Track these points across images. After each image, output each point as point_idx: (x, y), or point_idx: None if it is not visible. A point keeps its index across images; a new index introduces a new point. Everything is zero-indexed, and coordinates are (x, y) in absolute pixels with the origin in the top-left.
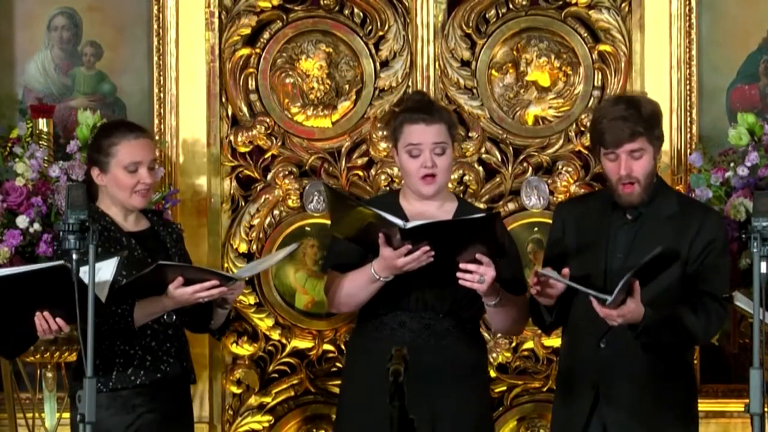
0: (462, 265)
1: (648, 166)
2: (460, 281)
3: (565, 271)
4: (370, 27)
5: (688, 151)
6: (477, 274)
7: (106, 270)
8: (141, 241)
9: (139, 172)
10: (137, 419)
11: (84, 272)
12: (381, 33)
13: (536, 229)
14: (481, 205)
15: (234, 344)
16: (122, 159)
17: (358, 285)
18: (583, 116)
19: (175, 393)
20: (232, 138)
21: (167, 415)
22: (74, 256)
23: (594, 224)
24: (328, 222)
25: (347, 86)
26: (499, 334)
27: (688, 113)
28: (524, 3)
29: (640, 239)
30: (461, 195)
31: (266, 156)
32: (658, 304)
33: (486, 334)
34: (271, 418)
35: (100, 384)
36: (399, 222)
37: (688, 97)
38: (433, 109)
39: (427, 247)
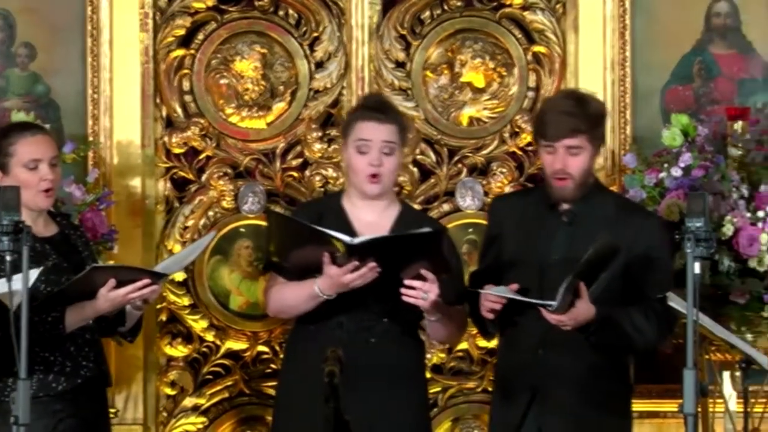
0: (407, 282)
1: (584, 164)
2: (404, 297)
3: (514, 286)
4: (304, 28)
5: (623, 151)
6: (421, 290)
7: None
8: (54, 246)
9: (40, 169)
10: (58, 423)
11: (17, 279)
12: (316, 34)
13: (471, 230)
14: (415, 207)
15: (168, 346)
16: (21, 157)
17: (299, 298)
18: (517, 117)
19: (94, 397)
20: (166, 139)
21: (87, 419)
22: (8, 258)
23: (530, 223)
24: (263, 224)
25: (282, 87)
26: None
27: (623, 114)
28: (459, 4)
29: (577, 242)
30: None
31: (201, 157)
32: (603, 304)
33: (422, 336)
34: (205, 419)
35: None
36: (346, 238)
37: (622, 98)
38: (388, 109)
39: (374, 264)
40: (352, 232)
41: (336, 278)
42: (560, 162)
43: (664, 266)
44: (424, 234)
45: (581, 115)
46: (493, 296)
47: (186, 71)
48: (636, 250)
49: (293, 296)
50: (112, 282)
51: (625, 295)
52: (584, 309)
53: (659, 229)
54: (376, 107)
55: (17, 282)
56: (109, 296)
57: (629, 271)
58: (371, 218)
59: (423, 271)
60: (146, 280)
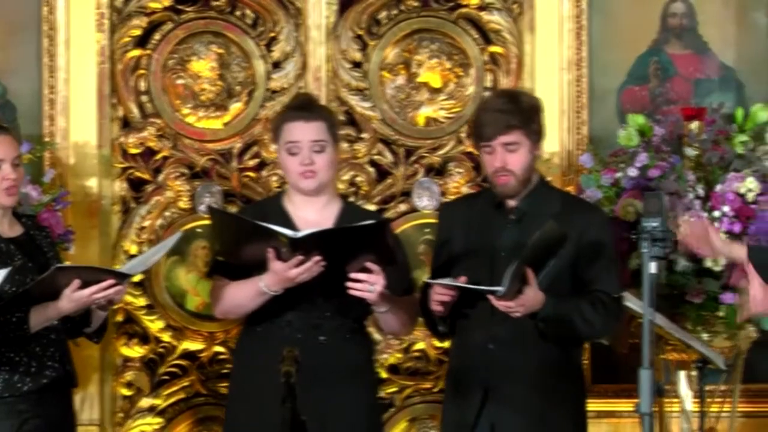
0: (352, 275)
1: (523, 159)
2: (350, 291)
3: (463, 278)
4: (261, 28)
5: (579, 152)
6: (367, 283)
7: None
8: (19, 246)
9: (3, 169)
10: (23, 424)
11: None
12: (273, 34)
13: (427, 230)
14: (371, 207)
15: (124, 346)
16: None
17: (245, 297)
18: None
19: (60, 397)
20: (123, 139)
21: (52, 420)
22: None
23: (479, 225)
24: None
25: (239, 87)
26: (390, 335)
27: (579, 114)
28: (416, 4)
29: (525, 239)
30: (353, 196)
31: (157, 157)
32: (552, 294)
33: (377, 335)
34: (162, 420)
35: None
36: (289, 232)
37: (578, 99)
38: (312, 107)
39: (319, 257)
40: (295, 231)
41: (281, 273)
42: (499, 160)
43: (610, 258)
44: (367, 226)
45: (514, 110)
46: (441, 288)
47: (142, 71)
48: (583, 244)
49: (239, 295)
50: (76, 283)
51: (573, 288)
52: (532, 295)
53: (605, 224)
54: (300, 106)
55: None
56: (73, 297)
57: (577, 265)
58: (313, 216)
59: (368, 264)
60: (111, 281)
